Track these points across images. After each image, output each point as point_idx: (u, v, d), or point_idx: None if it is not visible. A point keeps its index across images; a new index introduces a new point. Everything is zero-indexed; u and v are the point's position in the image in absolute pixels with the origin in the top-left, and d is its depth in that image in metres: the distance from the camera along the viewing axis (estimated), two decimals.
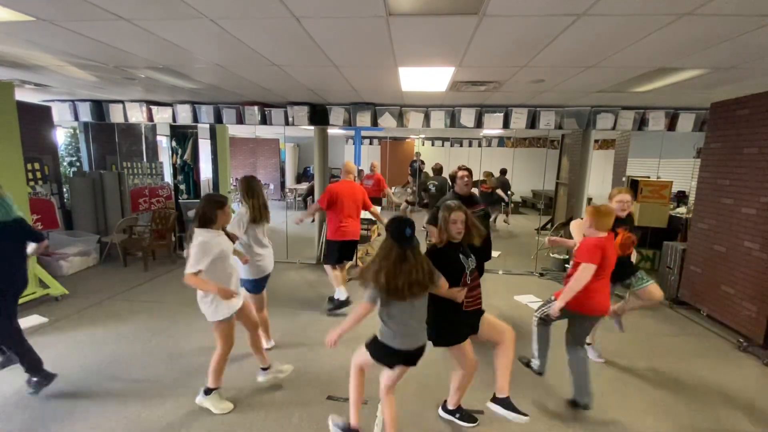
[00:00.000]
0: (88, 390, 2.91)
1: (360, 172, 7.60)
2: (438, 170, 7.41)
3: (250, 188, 3.22)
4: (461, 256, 2.37)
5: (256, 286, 3.30)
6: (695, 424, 2.75)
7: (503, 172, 9.44)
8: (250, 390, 2.95)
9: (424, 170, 10.08)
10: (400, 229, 2.10)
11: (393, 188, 9.83)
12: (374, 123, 5.70)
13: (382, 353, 2.22)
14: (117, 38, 2.88)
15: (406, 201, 9.36)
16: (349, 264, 4.89)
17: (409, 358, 2.23)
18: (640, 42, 2.63)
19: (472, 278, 2.39)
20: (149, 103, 5.94)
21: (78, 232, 6.10)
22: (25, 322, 3.93)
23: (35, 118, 5.83)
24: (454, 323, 2.39)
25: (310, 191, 9.63)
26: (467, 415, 2.69)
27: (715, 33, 2.45)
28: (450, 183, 7.35)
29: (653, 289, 3.27)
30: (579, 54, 2.97)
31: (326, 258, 4.60)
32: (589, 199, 7.46)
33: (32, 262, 4.49)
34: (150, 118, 6.03)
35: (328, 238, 4.50)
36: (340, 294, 4.40)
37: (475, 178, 4.26)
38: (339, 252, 4.44)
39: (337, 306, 4.40)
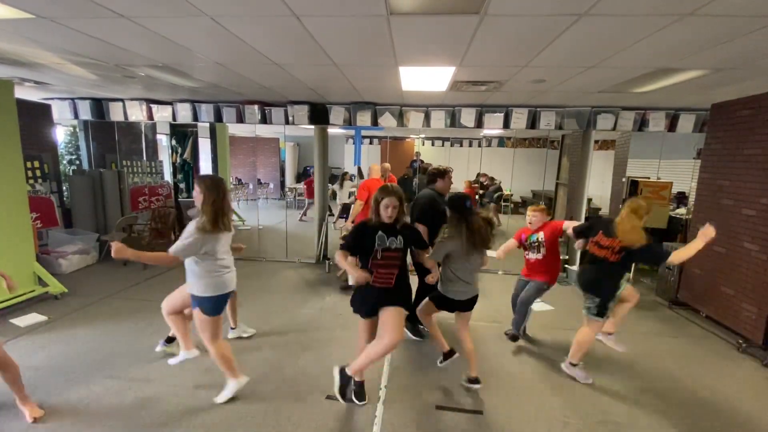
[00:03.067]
0: (87, 388, 2.90)
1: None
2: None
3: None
4: (380, 233, 2.54)
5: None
6: (694, 425, 2.75)
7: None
8: (248, 388, 2.94)
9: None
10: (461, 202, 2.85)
11: None
12: (374, 122, 5.69)
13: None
14: (117, 36, 2.87)
15: None
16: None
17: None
18: (641, 42, 2.63)
19: (384, 257, 2.55)
20: (149, 101, 5.93)
21: (77, 231, 6.09)
22: (24, 320, 3.93)
23: (35, 116, 5.81)
24: (364, 297, 2.65)
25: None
26: (359, 392, 2.82)
27: (716, 34, 2.44)
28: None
29: (628, 292, 3.38)
30: (580, 54, 2.97)
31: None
32: (589, 200, 7.46)
33: (31, 259, 4.49)
34: (150, 116, 6.02)
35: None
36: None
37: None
38: None
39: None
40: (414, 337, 3.80)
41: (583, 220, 5.92)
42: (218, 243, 2.58)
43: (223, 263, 2.64)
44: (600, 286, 3.04)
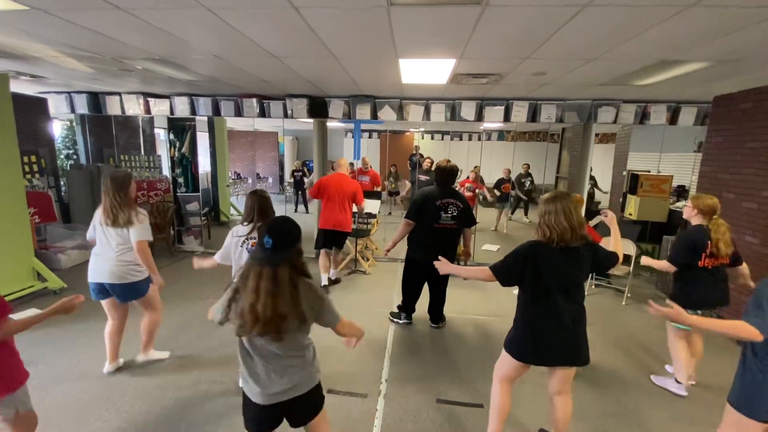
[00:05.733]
0: (87, 384, 2.90)
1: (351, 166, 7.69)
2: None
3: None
4: None
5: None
6: (695, 421, 2.76)
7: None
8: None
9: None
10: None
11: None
12: (374, 116, 5.65)
13: None
14: (113, 28, 2.83)
15: (389, 192, 9.28)
16: (340, 253, 5.12)
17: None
18: (643, 34, 2.60)
19: None
20: (146, 95, 5.88)
21: (75, 226, 6.07)
22: (23, 316, 3.91)
23: (31, 111, 5.77)
24: None
25: None
26: None
27: (719, 25, 2.41)
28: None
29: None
30: (582, 46, 2.94)
31: (315, 244, 5.00)
32: (590, 194, 7.44)
33: (30, 255, 4.47)
34: (147, 110, 5.98)
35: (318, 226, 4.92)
36: (323, 280, 4.81)
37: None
38: (322, 239, 4.79)
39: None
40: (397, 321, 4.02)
41: (583, 215, 5.91)
42: None
43: None
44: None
